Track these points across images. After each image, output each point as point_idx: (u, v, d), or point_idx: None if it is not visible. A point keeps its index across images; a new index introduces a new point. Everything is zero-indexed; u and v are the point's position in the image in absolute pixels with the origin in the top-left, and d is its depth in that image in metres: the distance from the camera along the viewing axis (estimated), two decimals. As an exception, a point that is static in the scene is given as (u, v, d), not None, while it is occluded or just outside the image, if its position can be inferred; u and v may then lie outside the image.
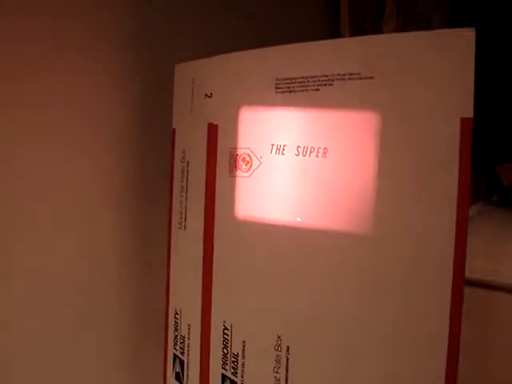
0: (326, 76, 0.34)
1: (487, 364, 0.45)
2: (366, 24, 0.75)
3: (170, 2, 0.52)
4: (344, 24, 0.76)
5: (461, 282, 0.30)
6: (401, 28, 0.70)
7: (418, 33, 0.31)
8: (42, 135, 0.43)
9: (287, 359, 0.35)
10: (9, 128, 0.41)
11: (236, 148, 0.38)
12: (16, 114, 0.41)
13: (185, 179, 0.42)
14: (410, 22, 0.70)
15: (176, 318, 0.44)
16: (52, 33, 0.43)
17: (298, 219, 0.35)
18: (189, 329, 0.43)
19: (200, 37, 0.54)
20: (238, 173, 0.38)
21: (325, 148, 0.33)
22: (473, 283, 0.44)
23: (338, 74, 0.33)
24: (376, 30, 0.74)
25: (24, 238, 0.43)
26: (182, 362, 0.43)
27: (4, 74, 0.40)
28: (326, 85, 0.34)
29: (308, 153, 0.34)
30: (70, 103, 0.45)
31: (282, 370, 0.36)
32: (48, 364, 0.45)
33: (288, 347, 0.35)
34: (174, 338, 0.44)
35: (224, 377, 0.39)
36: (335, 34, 0.77)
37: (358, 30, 0.76)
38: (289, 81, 0.35)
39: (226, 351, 0.39)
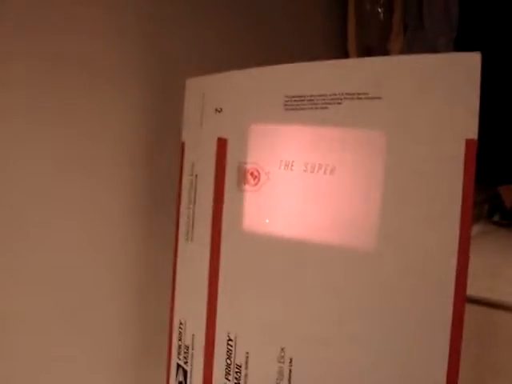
0: (335, 95, 0.34)
1: (486, 381, 0.45)
2: (373, 42, 0.76)
3: (182, 16, 0.53)
4: (351, 41, 0.77)
5: (462, 300, 0.30)
6: (407, 48, 0.71)
7: (425, 55, 0.32)
8: (50, 145, 0.44)
9: (290, 371, 0.36)
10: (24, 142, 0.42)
11: (245, 162, 0.39)
12: (28, 126, 0.42)
13: (193, 192, 0.43)
14: (417, 42, 0.71)
15: (180, 327, 0.45)
16: (61, 45, 0.44)
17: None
18: (193, 339, 0.43)
19: (211, 52, 0.55)
20: (246, 187, 0.38)
21: (332, 165, 0.34)
22: (473, 301, 0.44)
23: (346, 94, 0.34)
24: (382, 48, 0.75)
25: (28, 249, 0.43)
26: (185, 372, 0.44)
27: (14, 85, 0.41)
28: (334, 103, 0.34)
29: (316, 170, 0.35)
30: (79, 116, 0.46)
31: (285, 382, 0.36)
32: (49, 370, 0.46)
33: (291, 359, 0.36)
34: (177, 347, 0.45)
35: (227, 387, 0.40)
36: (342, 50, 0.78)
37: (365, 48, 0.77)
38: (298, 98, 0.36)
39: (229, 362, 0.40)
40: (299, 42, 0.68)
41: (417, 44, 0.71)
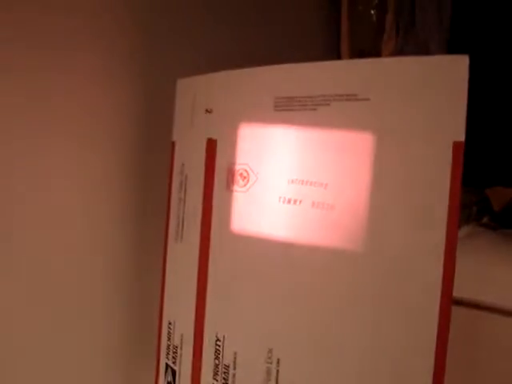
0: (324, 96, 0.34)
1: (473, 383, 0.45)
2: (366, 44, 0.76)
3: (173, 16, 0.53)
4: (344, 42, 0.77)
5: (448, 301, 0.31)
6: (400, 50, 0.72)
7: (414, 57, 0.32)
8: (40, 145, 0.44)
9: (277, 372, 0.36)
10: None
11: (234, 163, 0.39)
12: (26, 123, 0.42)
13: (183, 192, 0.43)
14: (409, 44, 0.71)
15: (169, 327, 0.45)
16: (56, 42, 0.44)
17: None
18: (181, 339, 0.43)
19: (202, 52, 0.55)
20: (235, 188, 0.38)
21: (320, 166, 0.34)
22: (460, 303, 0.45)
23: (335, 95, 0.34)
24: (375, 49, 0.75)
25: (15, 249, 0.43)
26: (173, 372, 0.44)
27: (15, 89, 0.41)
28: (323, 105, 0.35)
29: (304, 170, 0.35)
30: (68, 115, 0.45)
31: (272, 382, 0.36)
32: (37, 369, 0.45)
33: (279, 360, 0.36)
34: (166, 347, 0.45)
35: (215, 387, 0.40)
36: (335, 51, 0.78)
37: (358, 49, 0.77)
38: (287, 99, 0.36)
39: (217, 362, 0.40)
40: (292, 43, 0.68)
41: (409, 46, 0.71)
